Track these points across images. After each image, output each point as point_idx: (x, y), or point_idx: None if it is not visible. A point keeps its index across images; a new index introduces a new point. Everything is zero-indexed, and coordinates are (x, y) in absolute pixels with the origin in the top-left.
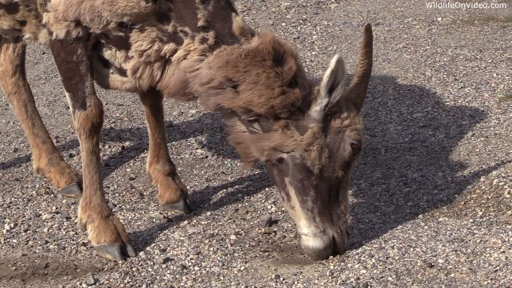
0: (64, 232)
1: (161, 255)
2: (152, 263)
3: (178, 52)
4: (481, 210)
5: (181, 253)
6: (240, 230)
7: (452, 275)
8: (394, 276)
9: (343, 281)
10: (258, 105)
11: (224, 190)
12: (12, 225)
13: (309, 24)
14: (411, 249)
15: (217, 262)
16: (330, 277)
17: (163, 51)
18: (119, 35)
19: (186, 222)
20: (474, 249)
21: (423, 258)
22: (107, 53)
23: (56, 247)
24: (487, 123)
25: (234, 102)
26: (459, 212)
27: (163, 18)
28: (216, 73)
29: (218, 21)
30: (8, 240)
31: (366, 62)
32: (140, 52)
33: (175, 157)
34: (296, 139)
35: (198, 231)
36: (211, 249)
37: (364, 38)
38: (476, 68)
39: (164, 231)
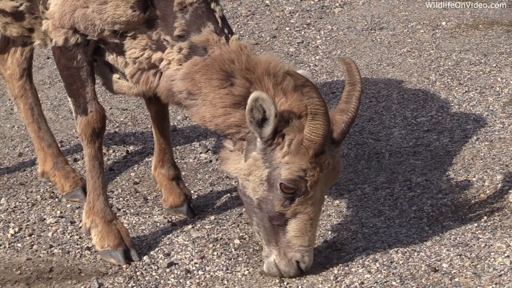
0: (68, 237)
1: (165, 259)
2: (156, 267)
3: (163, 61)
4: (485, 215)
5: (185, 257)
6: (244, 234)
7: (457, 279)
8: (399, 281)
9: (347, 285)
10: (208, 122)
11: (228, 194)
12: (16, 229)
13: (313, 28)
14: (415, 254)
15: (221, 266)
16: (334, 282)
17: (153, 60)
18: (115, 42)
19: (190, 226)
20: (478, 253)
21: (428, 263)
22: (110, 58)
23: (61, 251)
24: (492, 127)
25: (195, 116)
26: (463, 217)
27: (152, 26)
28: (180, 84)
29: (193, 31)
30: (12, 244)
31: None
32: (133, 59)
33: (179, 161)
34: (239, 166)
35: (202, 235)
36: (215, 253)
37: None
38: (481, 73)
39: (168, 236)
